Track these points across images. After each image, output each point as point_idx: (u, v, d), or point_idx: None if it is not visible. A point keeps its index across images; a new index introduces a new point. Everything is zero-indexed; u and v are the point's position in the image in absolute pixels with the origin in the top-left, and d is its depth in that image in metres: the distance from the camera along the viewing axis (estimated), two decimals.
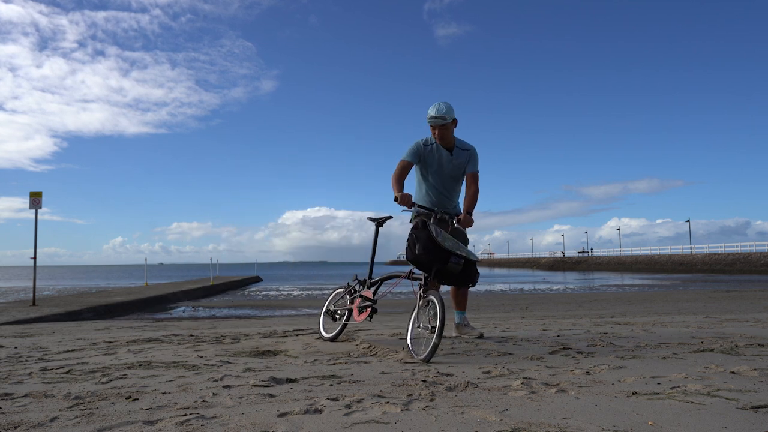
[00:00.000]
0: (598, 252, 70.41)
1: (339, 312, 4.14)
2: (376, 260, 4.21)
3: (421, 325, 3.33)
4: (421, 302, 3.38)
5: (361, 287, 4.05)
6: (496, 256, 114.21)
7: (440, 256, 3.46)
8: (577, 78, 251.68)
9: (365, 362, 3.21)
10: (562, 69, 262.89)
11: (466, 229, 3.91)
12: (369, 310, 3.78)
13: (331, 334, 4.18)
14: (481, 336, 4.16)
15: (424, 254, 3.47)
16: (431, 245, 3.46)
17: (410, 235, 3.63)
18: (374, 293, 3.91)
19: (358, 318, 3.86)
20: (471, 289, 4.11)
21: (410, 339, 3.37)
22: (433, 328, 3.17)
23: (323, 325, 4.39)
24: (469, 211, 3.86)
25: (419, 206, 3.75)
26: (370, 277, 4.06)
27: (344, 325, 4.08)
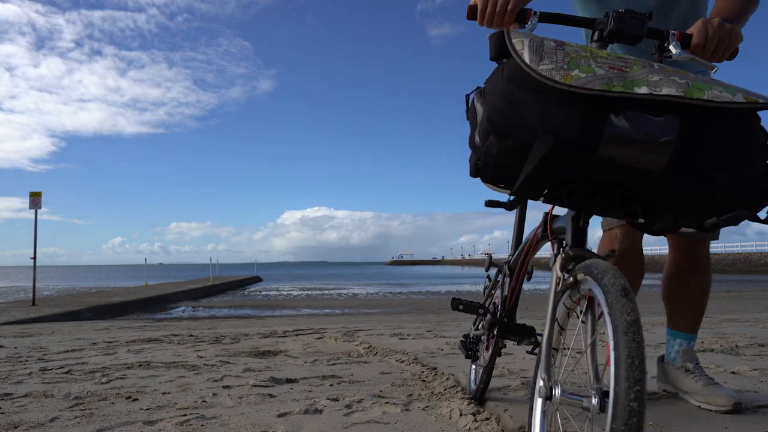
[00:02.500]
0: None
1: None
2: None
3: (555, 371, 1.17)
4: (562, 296, 1.18)
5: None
6: (497, 256, 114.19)
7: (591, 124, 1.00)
8: None
9: (365, 362, 3.21)
10: None
11: (714, 70, 1.31)
12: None
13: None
14: (736, 407, 1.89)
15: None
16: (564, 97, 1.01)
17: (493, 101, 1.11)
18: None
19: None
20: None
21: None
22: (599, 391, 0.95)
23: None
24: (730, 16, 1.42)
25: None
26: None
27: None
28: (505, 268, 1.95)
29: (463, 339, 2.20)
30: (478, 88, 1.23)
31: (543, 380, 1.11)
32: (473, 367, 2.25)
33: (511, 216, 2.14)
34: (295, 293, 21.44)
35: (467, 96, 1.27)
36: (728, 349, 3.40)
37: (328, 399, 2.24)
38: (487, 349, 1.99)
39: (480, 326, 2.03)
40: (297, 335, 4.73)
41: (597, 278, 0.97)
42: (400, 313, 10.36)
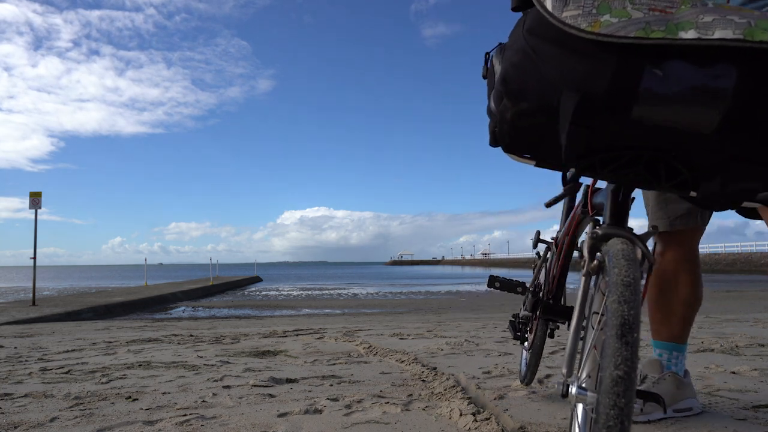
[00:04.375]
0: None
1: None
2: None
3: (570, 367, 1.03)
4: (589, 282, 1.05)
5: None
6: (496, 256, 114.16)
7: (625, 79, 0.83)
8: None
9: (365, 362, 3.21)
10: None
11: None
12: None
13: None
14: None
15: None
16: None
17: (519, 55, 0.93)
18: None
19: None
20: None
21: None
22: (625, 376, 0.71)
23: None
24: None
25: None
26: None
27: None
28: (553, 245, 1.77)
29: (512, 319, 2.02)
30: (500, 44, 1.08)
31: (563, 375, 1.01)
32: (523, 350, 2.12)
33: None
34: (295, 293, 21.44)
35: (487, 54, 1.11)
36: (728, 349, 3.40)
37: (328, 399, 2.24)
38: (530, 331, 1.88)
39: (527, 306, 1.89)
40: (297, 335, 4.73)
41: (608, 269, 0.85)
42: (400, 313, 10.36)
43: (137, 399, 2.31)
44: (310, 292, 21.78)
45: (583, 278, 1.04)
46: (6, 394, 2.45)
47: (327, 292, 21.92)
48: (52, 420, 2.00)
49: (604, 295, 0.97)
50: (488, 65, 1.10)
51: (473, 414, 1.92)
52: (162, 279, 33.09)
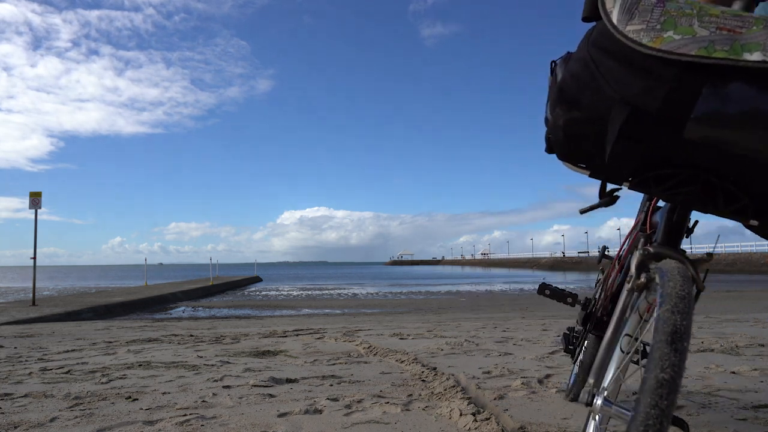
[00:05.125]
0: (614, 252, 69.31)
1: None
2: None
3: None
4: (633, 298, 1.15)
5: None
6: (496, 256, 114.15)
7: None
8: None
9: (365, 362, 3.21)
10: None
11: None
12: None
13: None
14: None
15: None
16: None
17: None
18: None
19: None
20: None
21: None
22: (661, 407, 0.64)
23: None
24: None
25: None
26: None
27: None
28: (615, 261, 1.76)
29: (567, 332, 2.01)
30: (568, 53, 1.06)
31: (589, 383, 1.02)
32: (574, 365, 2.09)
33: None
34: (295, 293, 21.44)
35: (553, 62, 1.08)
36: (728, 349, 3.40)
37: (328, 399, 2.24)
38: (580, 345, 1.85)
39: (578, 320, 1.88)
40: (297, 335, 4.73)
41: (661, 283, 0.81)
42: (400, 313, 10.36)
43: (137, 399, 2.31)
44: (310, 292, 21.78)
45: (625, 293, 1.02)
46: (6, 394, 2.45)
47: (327, 292, 21.92)
48: (52, 420, 2.00)
49: (641, 317, 0.98)
50: (552, 74, 1.08)
51: (473, 414, 1.92)
52: (162, 279, 33.08)
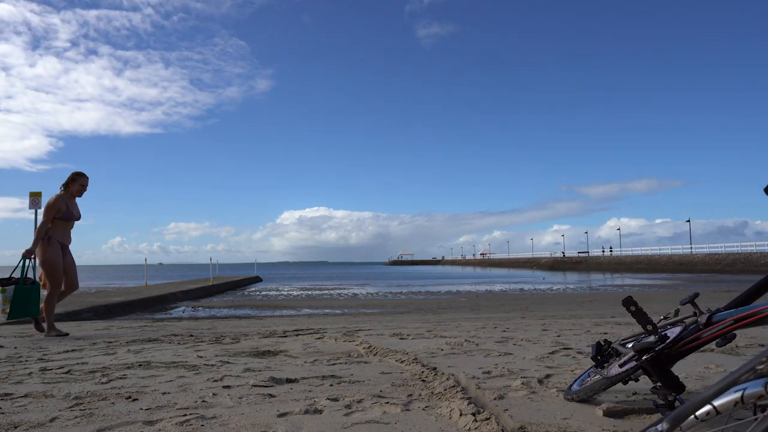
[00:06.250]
0: (617, 252, 68.57)
1: None
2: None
3: None
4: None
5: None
6: (496, 256, 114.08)
7: None
8: (576, 77, 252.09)
9: (365, 362, 3.21)
10: (561, 67, 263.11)
11: None
12: None
13: None
14: None
15: None
16: None
17: None
18: None
19: None
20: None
21: None
22: None
23: None
24: None
25: None
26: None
27: None
28: (709, 317, 1.59)
29: (602, 343, 1.99)
30: None
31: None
32: (592, 369, 2.07)
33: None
34: (295, 293, 21.44)
35: None
36: (728, 349, 3.40)
37: (328, 399, 2.24)
38: (621, 365, 1.73)
39: (633, 343, 1.74)
40: (297, 335, 4.73)
41: None
42: (400, 313, 10.36)
43: (137, 399, 2.31)
44: (309, 292, 21.77)
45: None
46: (6, 394, 2.45)
47: (327, 292, 21.91)
48: (52, 420, 2.00)
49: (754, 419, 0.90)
50: None
51: (473, 414, 1.92)
52: (162, 279, 33.08)
